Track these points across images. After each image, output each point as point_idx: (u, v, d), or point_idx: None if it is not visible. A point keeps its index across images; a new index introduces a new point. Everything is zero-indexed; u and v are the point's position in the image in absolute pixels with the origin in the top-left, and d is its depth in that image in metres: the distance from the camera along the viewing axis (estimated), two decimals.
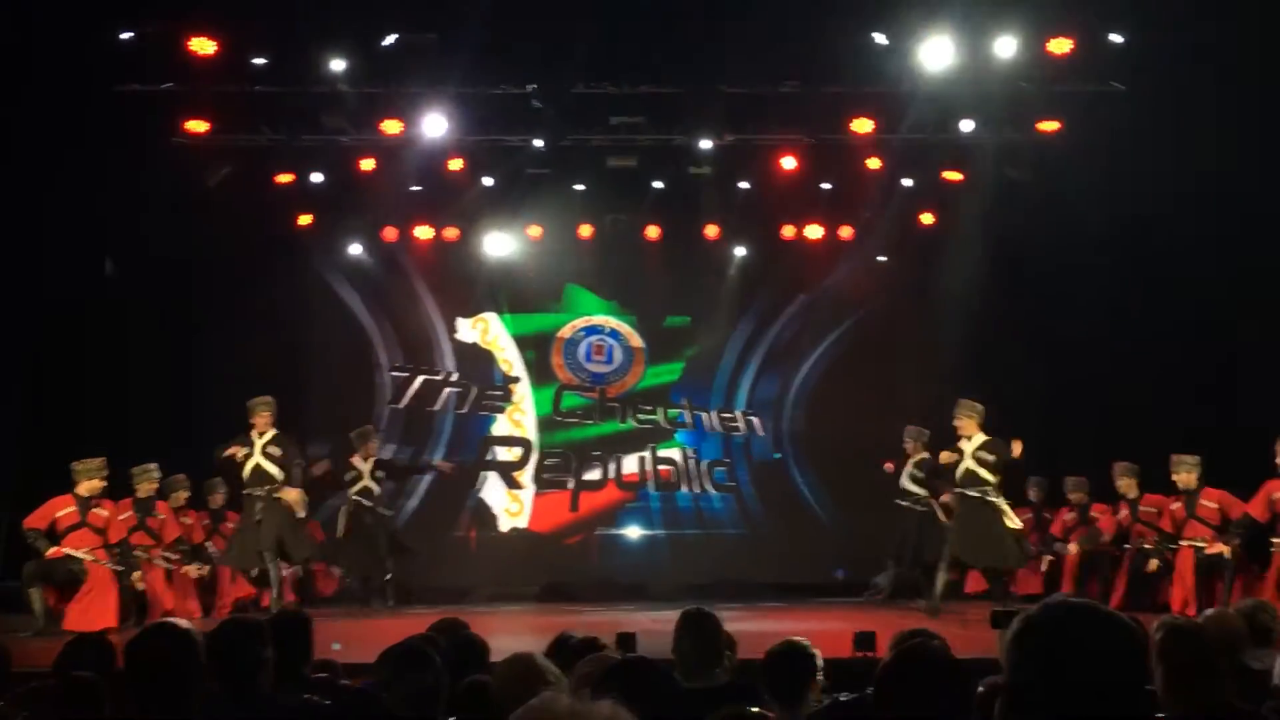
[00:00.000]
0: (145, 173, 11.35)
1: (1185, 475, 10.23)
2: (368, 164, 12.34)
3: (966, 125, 11.64)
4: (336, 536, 11.86)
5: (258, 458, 10.46)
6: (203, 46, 10.45)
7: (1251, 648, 4.34)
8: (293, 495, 10.51)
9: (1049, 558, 12.03)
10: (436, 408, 14.01)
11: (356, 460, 11.86)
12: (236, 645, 3.70)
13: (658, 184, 12.92)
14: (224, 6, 10.51)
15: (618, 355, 14.23)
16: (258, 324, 12.48)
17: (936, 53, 10.65)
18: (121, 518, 10.50)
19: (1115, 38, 10.68)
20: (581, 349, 14.21)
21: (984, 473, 10.24)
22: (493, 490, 13.93)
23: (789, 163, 12.39)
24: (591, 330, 14.27)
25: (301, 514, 10.65)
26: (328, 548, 11.77)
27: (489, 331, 14.16)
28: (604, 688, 3.05)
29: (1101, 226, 11.57)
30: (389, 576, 11.69)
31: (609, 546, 13.93)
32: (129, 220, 11.46)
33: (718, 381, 14.26)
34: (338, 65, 10.82)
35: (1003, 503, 10.26)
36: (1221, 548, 9.84)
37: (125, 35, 10.48)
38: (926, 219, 13.34)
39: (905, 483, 11.70)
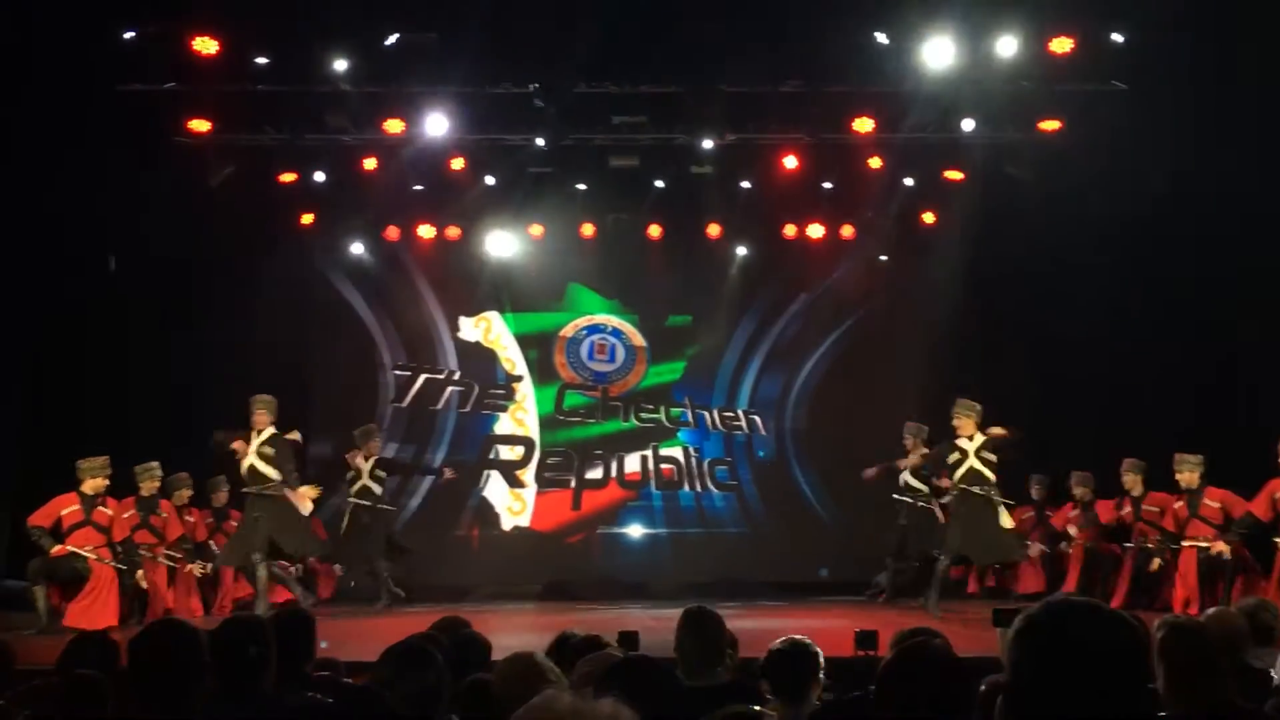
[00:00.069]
0: (147, 172, 11.34)
1: (1188, 474, 10.24)
2: (370, 163, 12.35)
3: (968, 124, 11.63)
4: (339, 535, 11.87)
5: (252, 457, 10.43)
6: (205, 46, 10.45)
7: (1253, 646, 4.34)
8: (306, 493, 10.51)
9: (1044, 550, 12.07)
10: (439, 406, 14.03)
11: (358, 460, 11.86)
12: (238, 643, 3.71)
13: (659, 183, 12.92)
14: (226, 6, 10.51)
15: (620, 354, 14.24)
16: (260, 323, 12.47)
17: (938, 52, 10.64)
18: (125, 516, 10.54)
19: (1116, 37, 10.68)
20: (584, 348, 14.22)
21: (987, 472, 10.33)
22: (495, 489, 13.94)
23: (790, 162, 12.39)
24: (594, 329, 14.27)
25: (306, 510, 10.64)
26: (328, 545, 11.77)
27: (491, 330, 14.17)
28: (606, 686, 3.06)
29: (1102, 225, 11.56)
30: (385, 575, 11.65)
31: (611, 545, 13.94)
32: (131, 220, 11.45)
33: (719, 380, 14.27)
34: (340, 65, 10.82)
35: (1002, 503, 10.36)
36: (1223, 547, 9.83)
37: (127, 35, 10.48)
38: (928, 218, 13.34)
39: (908, 478, 11.68)
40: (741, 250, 13.90)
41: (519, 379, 14.13)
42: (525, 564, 13.63)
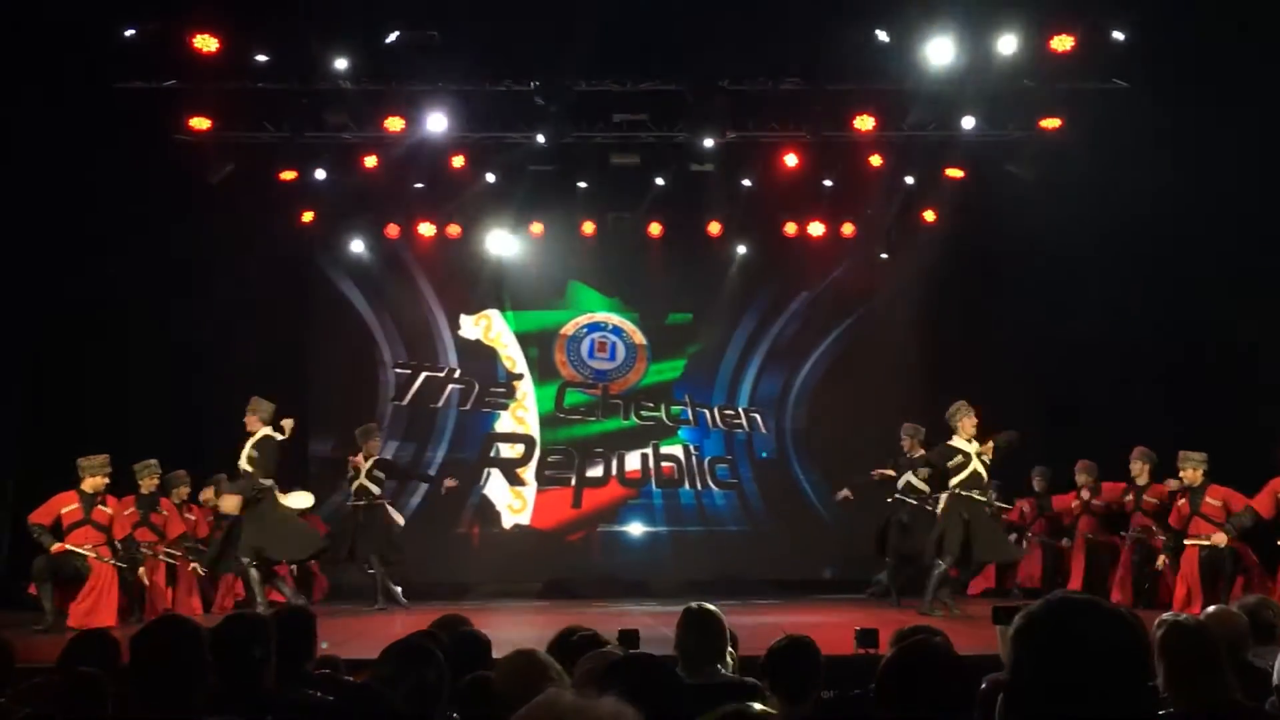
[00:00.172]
0: (148, 170, 11.36)
1: (1191, 472, 10.24)
2: (370, 161, 12.35)
3: (968, 122, 11.63)
4: (339, 534, 11.85)
5: (241, 460, 10.41)
6: (205, 44, 10.46)
7: (1255, 644, 4.33)
8: (230, 502, 10.44)
9: (1045, 542, 12.11)
10: (439, 404, 14.03)
11: (357, 459, 11.85)
12: (239, 641, 3.71)
13: (660, 181, 12.92)
14: (226, 3, 10.51)
15: (620, 352, 14.24)
16: (260, 321, 12.49)
17: (938, 50, 10.65)
18: (126, 514, 10.53)
19: (1117, 35, 10.67)
20: (584, 346, 14.23)
21: (985, 474, 10.40)
22: (495, 487, 13.95)
23: (791, 160, 12.39)
24: (594, 327, 14.28)
25: (301, 505, 10.58)
26: (323, 544, 11.67)
27: (492, 328, 14.17)
28: (606, 684, 3.06)
29: (1103, 224, 11.55)
30: (381, 578, 11.57)
31: (611, 543, 13.95)
32: (131, 217, 11.45)
33: (720, 378, 14.27)
34: (340, 62, 10.83)
35: (999, 505, 10.62)
36: (1221, 538, 9.84)
37: (128, 32, 10.48)
38: (928, 216, 13.33)
39: (911, 478, 11.63)
40: (742, 248, 13.90)
41: (519, 377, 14.14)
42: (525, 562, 13.63)
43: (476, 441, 14.03)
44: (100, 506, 10.11)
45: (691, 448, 14.14)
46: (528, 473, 13.99)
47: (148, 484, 10.93)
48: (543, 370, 14.14)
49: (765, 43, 10.87)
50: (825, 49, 11.02)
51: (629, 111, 12.11)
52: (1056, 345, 12.45)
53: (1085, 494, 11.70)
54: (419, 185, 12.84)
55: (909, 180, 12.91)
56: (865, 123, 11.67)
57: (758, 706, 3.74)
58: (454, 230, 13.59)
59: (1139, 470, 11.06)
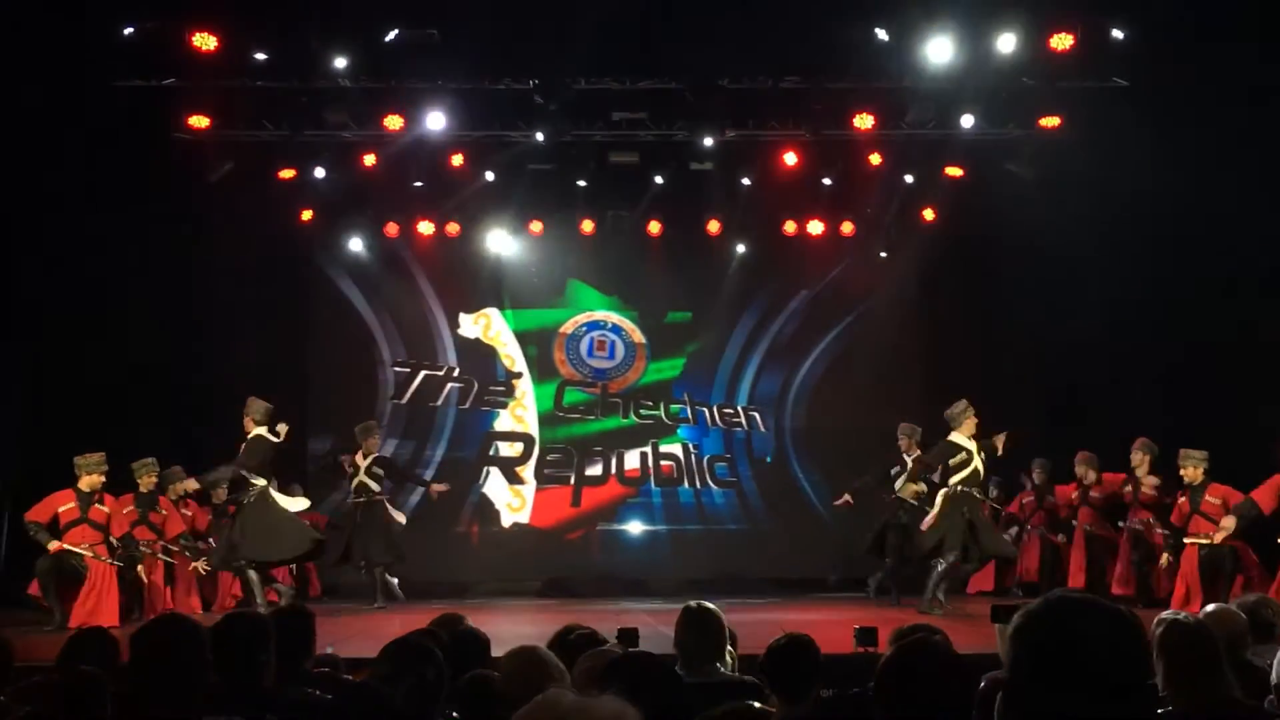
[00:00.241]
0: (147, 168, 11.35)
1: (1192, 470, 10.24)
2: (370, 159, 12.34)
3: (968, 121, 11.62)
4: (340, 532, 11.86)
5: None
6: (204, 42, 10.46)
7: (1254, 643, 4.34)
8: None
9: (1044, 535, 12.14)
10: (438, 403, 14.03)
11: (356, 456, 11.84)
12: (238, 640, 3.71)
13: (659, 179, 12.91)
14: (226, 2, 10.52)
15: (619, 351, 14.24)
16: (259, 320, 12.49)
17: (938, 48, 10.65)
18: (124, 512, 10.52)
19: (1117, 33, 10.68)
20: (583, 344, 14.23)
21: (983, 472, 10.45)
22: (495, 485, 13.94)
23: (790, 158, 12.39)
24: (593, 326, 14.28)
25: (296, 507, 10.55)
26: (315, 543, 11.63)
27: (491, 327, 14.17)
28: (606, 682, 3.06)
29: (1103, 222, 11.56)
30: (381, 576, 11.57)
31: (610, 542, 13.94)
32: (131, 216, 11.44)
33: (719, 377, 14.27)
34: (340, 61, 10.82)
35: (992, 503, 10.73)
36: (1229, 525, 9.84)
37: (127, 30, 10.48)
38: (928, 215, 13.32)
39: (911, 481, 11.61)
40: (741, 247, 13.89)
41: (518, 375, 14.14)
42: (525, 560, 13.63)
43: (476, 440, 14.03)
44: (97, 505, 10.09)
45: (690, 446, 14.14)
46: (527, 471, 13.99)
47: (146, 482, 10.92)
48: (542, 369, 14.14)
49: (764, 41, 10.87)
50: (825, 47, 11.02)
51: (628, 110, 12.11)
52: (1056, 344, 12.45)
53: (1086, 480, 11.64)
54: (418, 184, 12.82)
55: (908, 179, 12.90)
56: (865, 121, 11.66)
57: (757, 705, 3.75)
58: (453, 229, 13.58)
59: (1139, 461, 11.06)
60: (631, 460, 14.03)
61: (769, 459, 14.13)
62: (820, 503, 13.77)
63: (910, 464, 11.34)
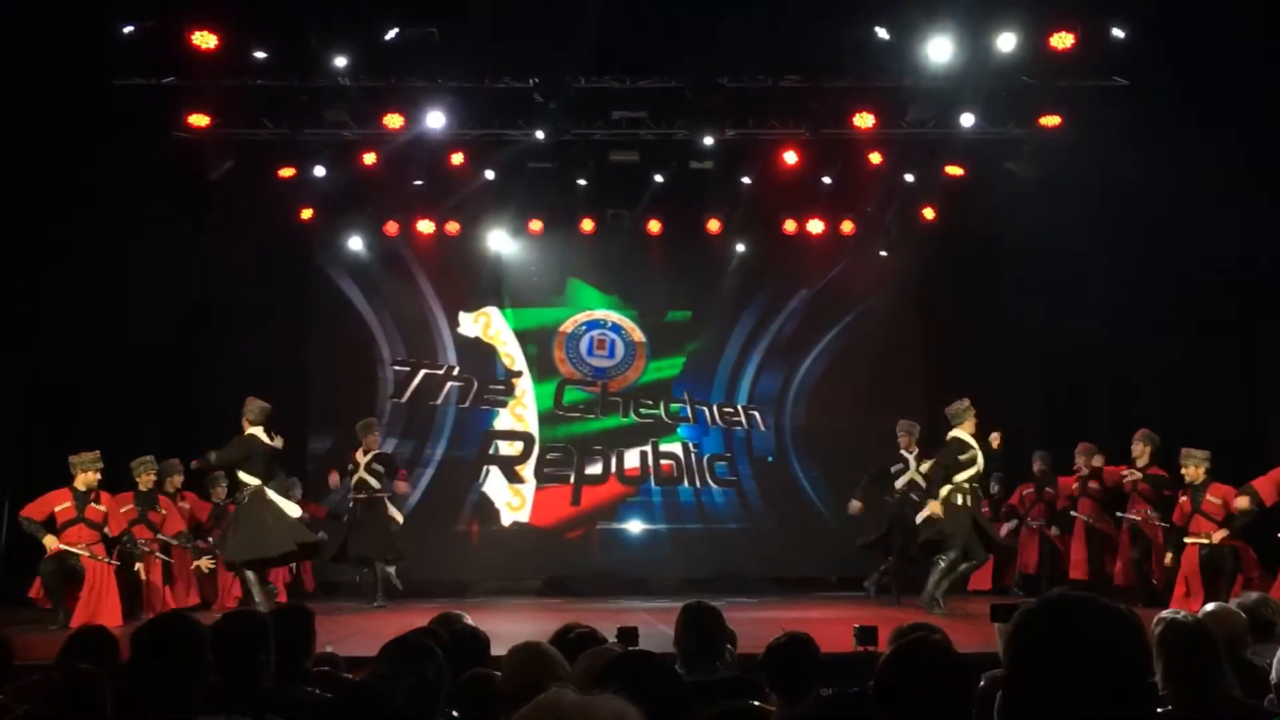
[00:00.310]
0: (147, 167, 11.35)
1: (1193, 469, 10.24)
2: (370, 158, 12.34)
3: (968, 120, 11.62)
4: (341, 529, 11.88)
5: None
6: (204, 40, 10.46)
7: (1254, 642, 4.34)
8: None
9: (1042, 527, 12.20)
10: (438, 402, 14.03)
11: (358, 454, 11.85)
12: (239, 639, 3.72)
13: (659, 178, 12.92)
14: (226, 0, 10.50)
15: (619, 350, 14.25)
16: (259, 318, 12.49)
17: (938, 47, 10.66)
18: (123, 510, 10.50)
19: (1117, 32, 10.68)
20: (583, 343, 14.23)
21: (982, 470, 10.47)
22: (494, 484, 13.94)
23: (790, 157, 12.39)
24: (593, 325, 14.28)
25: (293, 511, 10.51)
26: (304, 541, 11.60)
27: (491, 326, 14.17)
28: (605, 681, 3.06)
29: (1103, 221, 11.57)
30: (382, 574, 11.56)
31: (610, 541, 13.94)
32: (131, 214, 11.45)
33: (719, 376, 14.27)
34: (340, 59, 10.82)
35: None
36: (1244, 500, 9.85)
37: (127, 29, 10.48)
38: (928, 214, 13.33)
39: (916, 476, 11.56)
40: (741, 246, 13.90)
41: (518, 374, 14.14)
42: (525, 559, 13.64)
43: (475, 439, 14.03)
44: (94, 505, 10.05)
45: (690, 445, 14.14)
46: (527, 470, 13.99)
47: (145, 480, 10.89)
48: (542, 368, 14.14)
49: (764, 40, 10.87)
50: (825, 46, 11.02)
51: (628, 109, 12.11)
52: (1056, 343, 12.46)
53: (1085, 470, 11.61)
54: (418, 182, 12.82)
55: (908, 178, 12.91)
56: (865, 120, 11.67)
57: (756, 704, 3.75)
58: (453, 227, 13.59)
59: (1140, 451, 11.04)
60: (631, 459, 14.03)
61: (769, 458, 14.13)
62: (820, 502, 13.78)
63: (930, 466, 11.19)
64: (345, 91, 11.39)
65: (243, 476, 10.18)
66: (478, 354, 14.11)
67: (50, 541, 9.83)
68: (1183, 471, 10.32)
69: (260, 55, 10.88)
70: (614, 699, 1.66)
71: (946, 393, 10.89)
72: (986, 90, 11.36)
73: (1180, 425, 10.83)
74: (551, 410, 14.12)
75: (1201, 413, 10.95)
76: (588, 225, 13.55)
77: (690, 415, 14.16)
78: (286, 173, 12.41)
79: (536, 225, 13.58)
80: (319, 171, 12.42)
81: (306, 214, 13.10)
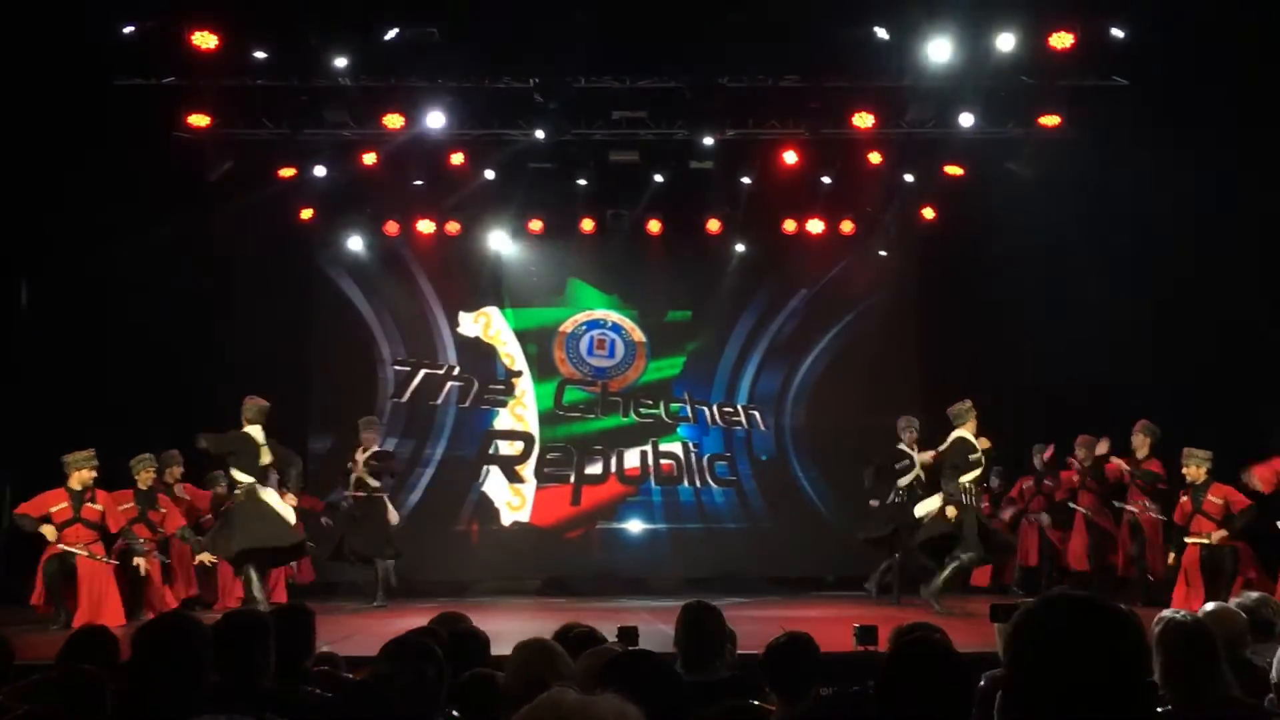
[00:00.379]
0: (146, 167, 11.35)
1: (1194, 469, 10.24)
2: (370, 158, 12.34)
3: (967, 120, 11.61)
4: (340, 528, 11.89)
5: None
6: (204, 40, 10.46)
7: (1253, 642, 4.34)
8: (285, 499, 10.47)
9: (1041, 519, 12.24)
10: (438, 402, 14.02)
11: (356, 453, 11.86)
12: (238, 639, 3.72)
13: (659, 178, 12.91)
14: (225, 0, 10.50)
15: (619, 349, 14.25)
16: (259, 318, 12.49)
17: (938, 47, 10.66)
18: (122, 508, 10.46)
19: (1117, 32, 10.68)
20: (583, 343, 14.23)
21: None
22: (494, 484, 13.94)
23: (790, 157, 12.39)
24: (593, 324, 14.28)
25: (288, 512, 10.50)
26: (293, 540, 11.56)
27: (491, 326, 14.17)
28: (606, 681, 3.06)
29: (1103, 221, 11.56)
30: (382, 573, 11.54)
31: (610, 540, 13.94)
32: (130, 214, 11.45)
33: (719, 376, 14.27)
34: (340, 59, 10.82)
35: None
36: (1222, 533, 9.87)
37: (126, 29, 10.47)
38: (927, 213, 13.34)
39: (921, 474, 11.55)
40: (741, 246, 13.90)
41: (518, 374, 14.14)
42: (525, 559, 13.64)
43: (475, 439, 14.02)
44: (90, 504, 10.05)
45: (690, 445, 14.14)
46: (527, 470, 13.99)
47: (144, 478, 10.86)
48: (542, 367, 14.14)
49: (764, 40, 10.87)
50: (824, 46, 11.02)
51: (628, 108, 12.10)
52: (1055, 343, 12.45)
53: (1086, 463, 11.62)
54: (418, 182, 12.82)
55: (908, 177, 12.91)
56: (864, 120, 11.67)
57: (756, 704, 3.75)
58: (453, 227, 13.59)
59: (1140, 443, 11.05)
60: (631, 459, 14.03)
61: (768, 458, 14.14)
62: (820, 501, 13.79)
63: (931, 457, 11.17)
64: (345, 91, 11.39)
65: (236, 474, 10.21)
66: (478, 354, 14.11)
67: (49, 531, 9.81)
68: (1184, 471, 10.32)
69: (260, 55, 10.87)
70: (614, 699, 1.66)
71: (945, 392, 10.89)
72: (986, 90, 11.36)
73: (1180, 425, 10.82)
74: (551, 410, 14.11)
75: (1201, 412, 10.94)
76: (588, 225, 13.55)
77: (690, 415, 14.16)
78: (286, 173, 12.41)
79: (536, 225, 13.58)
80: (319, 171, 12.42)
81: (306, 214, 13.09)
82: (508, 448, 14.04)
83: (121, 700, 3.50)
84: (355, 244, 13.69)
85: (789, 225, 13.68)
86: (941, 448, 10.54)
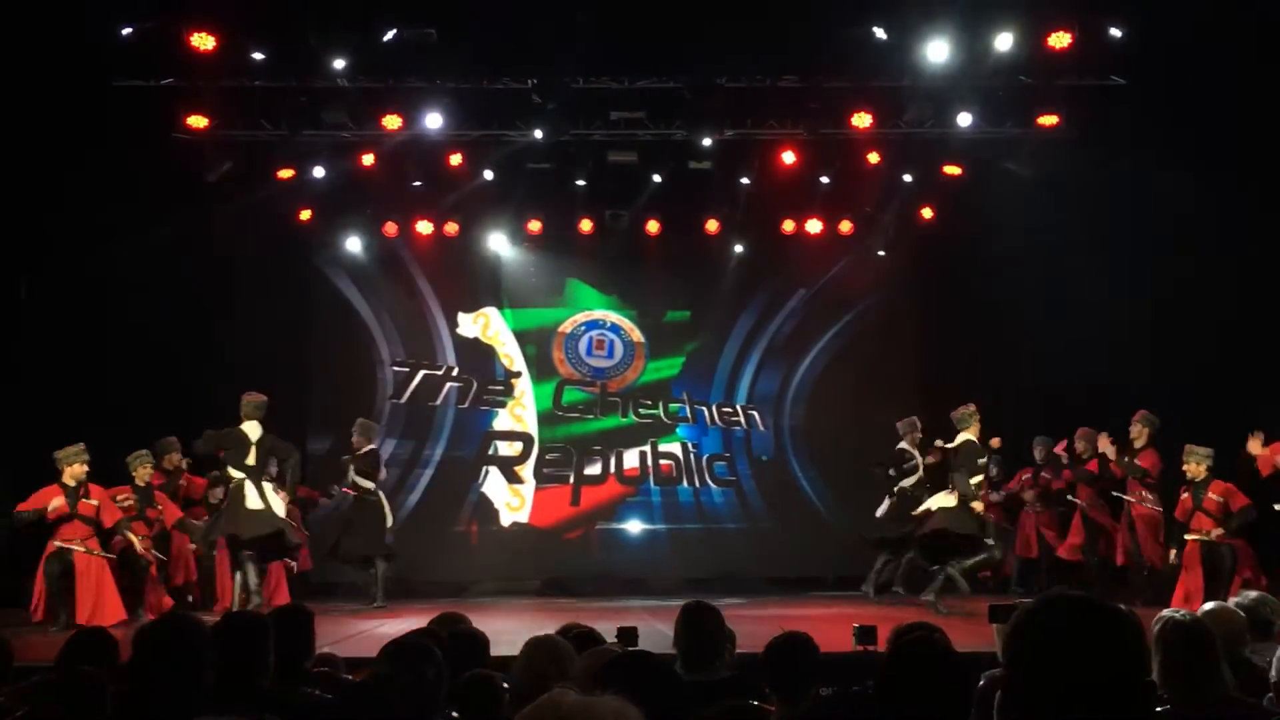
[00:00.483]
0: (145, 168, 11.35)
1: (1195, 466, 10.25)
2: (368, 159, 12.34)
3: (965, 119, 11.62)
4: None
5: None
6: (203, 41, 10.46)
7: (1253, 641, 4.34)
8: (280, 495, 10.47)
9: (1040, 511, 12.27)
10: (437, 402, 14.02)
11: (347, 456, 11.86)
12: (238, 639, 3.72)
13: (658, 179, 12.91)
14: (224, 2, 10.51)
15: (618, 350, 14.25)
16: (258, 319, 12.48)
17: (936, 47, 10.67)
18: (122, 504, 10.44)
19: (1115, 32, 10.69)
20: (582, 344, 14.23)
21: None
22: (494, 485, 13.94)
23: (789, 157, 12.39)
24: (592, 325, 14.28)
25: (280, 509, 10.49)
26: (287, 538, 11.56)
27: (490, 326, 14.17)
28: (605, 681, 3.06)
29: (1101, 220, 11.57)
30: (380, 573, 11.54)
31: (609, 541, 13.94)
32: (129, 215, 11.44)
33: (718, 376, 14.27)
34: (338, 61, 10.82)
35: None
36: (1220, 530, 9.88)
37: (125, 30, 10.48)
38: (926, 213, 13.34)
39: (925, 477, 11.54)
40: (740, 246, 13.89)
41: (517, 375, 14.14)
42: (524, 560, 13.63)
43: (475, 439, 14.02)
44: (85, 500, 10.05)
45: (689, 445, 14.14)
46: (526, 470, 13.99)
47: (141, 474, 10.85)
48: (541, 368, 14.14)
49: (763, 40, 10.87)
50: (823, 46, 11.03)
51: (627, 109, 12.10)
52: (1054, 342, 12.45)
53: (1084, 456, 11.58)
54: (417, 183, 12.83)
55: (906, 177, 12.91)
56: (863, 120, 11.67)
57: (756, 704, 3.75)
58: (452, 228, 13.59)
59: (1138, 433, 11.04)
60: (630, 459, 14.03)
61: (767, 458, 14.14)
62: (819, 501, 13.80)
63: (936, 456, 11.15)
64: (344, 92, 11.40)
65: (229, 471, 10.28)
66: (477, 354, 14.11)
67: (56, 503, 9.77)
68: (1185, 468, 10.34)
69: (259, 56, 10.88)
70: (614, 699, 1.67)
71: (944, 392, 10.89)
72: (984, 90, 11.37)
73: (1180, 425, 10.82)
74: (550, 410, 14.11)
75: (1201, 412, 10.94)
76: (586, 225, 13.55)
77: (689, 415, 14.16)
78: (285, 174, 12.41)
79: (535, 225, 13.58)
80: (318, 172, 12.42)
81: (305, 215, 13.09)
82: (507, 448, 14.04)
83: (121, 701, 3.50)
84: (354, 245, 13.68)
85: (788, 225, 13.68)
86: (949, 445, 10.51)
